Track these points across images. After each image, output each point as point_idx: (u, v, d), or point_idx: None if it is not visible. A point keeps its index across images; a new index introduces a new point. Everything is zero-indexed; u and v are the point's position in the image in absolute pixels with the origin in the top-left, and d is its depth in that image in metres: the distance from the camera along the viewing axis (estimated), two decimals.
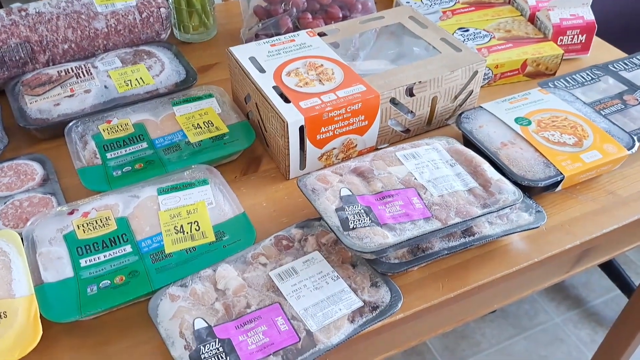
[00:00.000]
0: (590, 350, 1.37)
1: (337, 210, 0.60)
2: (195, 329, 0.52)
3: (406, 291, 0.58)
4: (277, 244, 0.62)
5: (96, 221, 0.63)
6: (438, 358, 1.36)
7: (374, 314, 0.55)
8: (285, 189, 0.72)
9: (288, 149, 0.69)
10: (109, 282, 0.57)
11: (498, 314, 1.44)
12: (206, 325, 0.53)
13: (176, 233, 0.62)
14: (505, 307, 1.46)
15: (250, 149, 0.76)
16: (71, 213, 0.63)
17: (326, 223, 0.59)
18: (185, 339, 0.52)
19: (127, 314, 0.57)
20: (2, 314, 0.52)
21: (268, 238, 0.62)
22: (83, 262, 0.59)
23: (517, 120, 0.76)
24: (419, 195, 0.63)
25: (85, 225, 0.62)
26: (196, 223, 0.63)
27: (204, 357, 0.50)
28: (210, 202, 0.66)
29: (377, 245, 0.56)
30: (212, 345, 0.51)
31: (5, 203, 0.66)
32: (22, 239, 0.60)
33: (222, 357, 0.50)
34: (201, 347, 0.51)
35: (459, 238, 0.61)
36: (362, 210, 0.60)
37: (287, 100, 0.70)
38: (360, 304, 0.56)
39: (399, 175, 0.65)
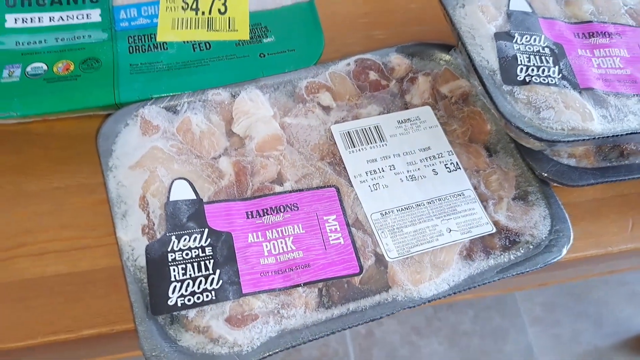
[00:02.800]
0: None
1: (497, 36, 0.29)
2: (171, 198, 0.27)
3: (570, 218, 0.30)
4: (357, 75, 0.33)
5: None
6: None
7: (509, 257, 0.28)
8: None
9: None
10: (46, 67, 0.31)
11: None
12: (193, 197, 0.27)
13: (184, 10, 0.34)
14: None
15: None
16: None
17: (467, 55, 0.29)
18: (149, 214, 0.27)
19: (65, 130, 0.32)
20: None
21: (344, 59, 0.34)
22: (11, 20, 0.33)
23: None
24: None
25: None
26: (223, 2, 0.35)
27: (172, 260, 0.25)
28: None
29: (569, 129, 0.26)
30: (195, 238, 0.26)
31: None
32: None
33: (207, 268, 0.25)
34: (173, 237, 0.26)
35: None
36: (547, 48, 0.29)
37: None
38: (489, 228, 0.29)
39: (627, 1, 0.33)
